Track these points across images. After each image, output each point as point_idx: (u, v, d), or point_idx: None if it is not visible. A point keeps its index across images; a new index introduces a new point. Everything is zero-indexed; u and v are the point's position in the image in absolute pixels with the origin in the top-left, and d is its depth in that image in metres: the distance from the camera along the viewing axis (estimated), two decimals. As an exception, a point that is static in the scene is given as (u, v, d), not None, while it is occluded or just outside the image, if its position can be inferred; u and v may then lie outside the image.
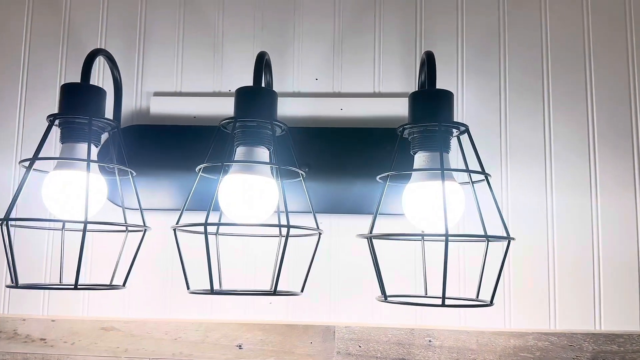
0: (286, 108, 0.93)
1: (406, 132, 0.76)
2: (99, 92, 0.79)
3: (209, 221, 0.67)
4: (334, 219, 0.91)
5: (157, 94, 0.96)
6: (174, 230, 0.74)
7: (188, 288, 0.73)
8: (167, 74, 0.97)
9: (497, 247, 0.82)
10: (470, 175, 0.76)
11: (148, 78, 0.97)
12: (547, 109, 0.92)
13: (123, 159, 0.81)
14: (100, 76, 0.97)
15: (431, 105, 0.74)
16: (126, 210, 0.85)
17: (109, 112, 0.95)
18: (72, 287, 0.69)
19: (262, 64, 0.78)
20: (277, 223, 0.78)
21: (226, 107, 0.93)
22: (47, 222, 0.89)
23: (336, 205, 0.90)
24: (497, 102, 0.93)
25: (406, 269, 0.90)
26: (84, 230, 0.69)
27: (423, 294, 0.82)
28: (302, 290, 0.76)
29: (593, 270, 0.88)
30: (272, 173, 0.77)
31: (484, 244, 0.77)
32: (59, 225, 0.86)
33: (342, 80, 0.95)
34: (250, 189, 0.73)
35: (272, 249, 0.83)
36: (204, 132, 0.92)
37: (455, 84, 0.93)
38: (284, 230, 0.73)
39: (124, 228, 0.84)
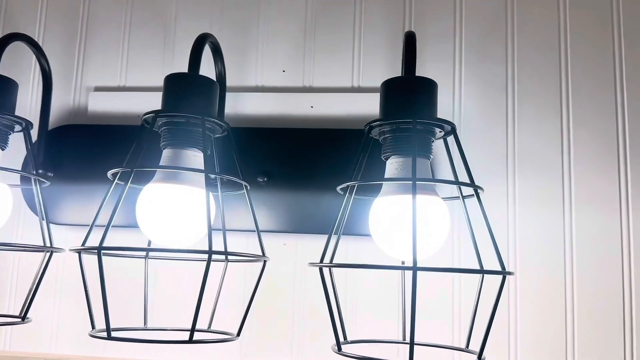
0: (247, 105, 0.77)
1: (376, 131, 0.59)
2: (5, 83, 0.65)
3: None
4: (302, 239, 0.75)
5: (98, 88, 0.82)
6: (78, 253, 0.58)
7: (93, 327, 0.58)
8: (110, 66, 0.82)
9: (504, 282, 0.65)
10: (460, 188, 0.59)
11: (89, 71, 0.83)
12: (565, 106, 0.74)
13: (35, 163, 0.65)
14: (29, 67, 0.83)
15: (406, 97, 0.57)
16: (51, 226, 0.71)
17: (28, 109, 0.82)
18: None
19: (201, 48, 0.63)
20: (206, 248, 0.61)
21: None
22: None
23: (304, 223, 0.74)
24: (504, 97, 0.75)
25: (389, 306, 0.72)
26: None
27: (401, 338, 0.64)
28: (238, 334, 0.59)
29: (624, 312, 0.69)
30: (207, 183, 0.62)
31: (479, 277, 0.59)
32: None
33: (314, 73, 0.79)
34: (172, 203, 0.58)
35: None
36: (152, 132, 0.77)
37: (451, 74, 0.76)
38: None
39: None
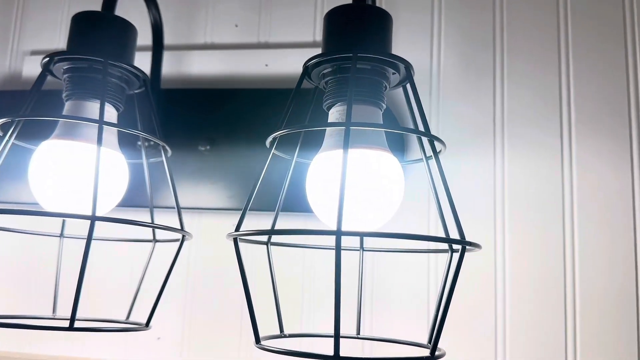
0: (194, 65, 0.67)
1: (316, 75, 0.48)
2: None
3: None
4: (254, 218, 0.64)
5: (34, 52, 0.73)
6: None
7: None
8: (49, 28, 0.73)
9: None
10: (421, 144, 0.48)
11: (26, 33, 0.74)
12: (564, 56, 0.62)
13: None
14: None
15: (349, 29, 0.46)
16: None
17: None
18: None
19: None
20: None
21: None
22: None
23: (255, 198, 0.63)
24: (491, 48, 0.63)
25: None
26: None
27: (354, 333, 0.53)
28: (147, 324, 0.48)
29: (638, 295, 0.56)
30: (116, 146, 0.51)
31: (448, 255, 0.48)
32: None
33: (271, 27, 0.68)
34: (72, 163, 0.48)
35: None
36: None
37: (429, 22, 0.65)
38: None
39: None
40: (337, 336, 0.37)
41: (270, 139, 0.45)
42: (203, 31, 0.69)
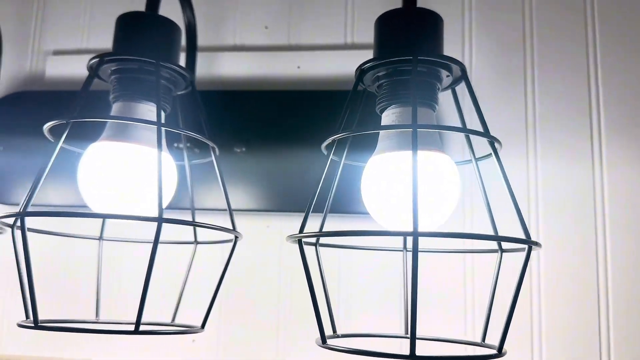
0: (224, 66, 0.67)
1: (369, 79, 0.49)
2: None
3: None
4: (287, 220, 0.64)
5: (57, 52, 0.72)
6: (10, 226, 0.48)
7: (27, 317, 0.47)
8: (72, 27, 0.72)
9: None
10: (470, 143, 0.49)
11: (47, 33, 0.73)
12: (592, 60, 0.63)
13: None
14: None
15: (406, 32, 0.46)
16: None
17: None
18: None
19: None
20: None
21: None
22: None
23: (289, 201, 0.63)
24: (521, 44, 0.64)
25: (391, 294, 0.62)
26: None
27: (402, 332, 0.54)
28: (202, 326, 0.48)
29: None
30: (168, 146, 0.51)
31: (497, 256, 0.49)
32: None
33: (301, 29, 0.68)
34: (125, 165, 0.47)
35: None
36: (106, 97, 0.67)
37: (460, 26, 0.66)
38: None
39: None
40: (413, 336, 0.37)
41: (329, 140, 0.46)
42: (233, 33, 0.69)
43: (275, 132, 0.64)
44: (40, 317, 0.42)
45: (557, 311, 0.59)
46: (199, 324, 0.48)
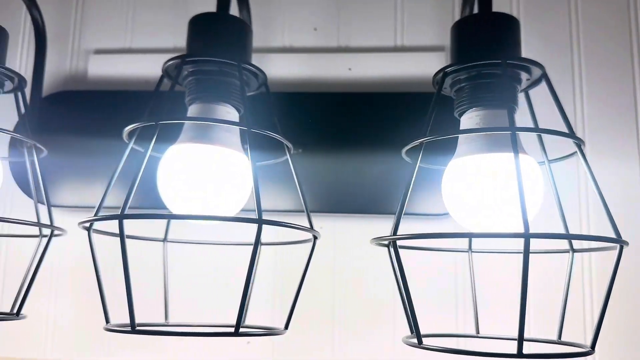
0: (273, 68, 0.67)
1: (447, 83, 0.50)
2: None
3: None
4: (340, 221, 0.65)
5: (98, 51, 0.70)
6: (87, 229, 0.47)
7: (107, 321, 0.46)
8: (113, 26, 0.71)
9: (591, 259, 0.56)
10: (543, 146, 0.50)
11: (88, 32, 0.71)
12: (637, 60, 0.65)
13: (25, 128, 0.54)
14: (18, 25, 0.72)
15: (490, 36, 0.47)
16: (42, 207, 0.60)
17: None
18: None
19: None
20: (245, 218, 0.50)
21: (192, 68, 0.68)
22: None
23: (343, 202, 0.64)
24: (568, 45, 0.66)
25: (443, 295, 0.63)
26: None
27: (473, 332, 0.54)
28: (286, 327, 0.48)
29: None
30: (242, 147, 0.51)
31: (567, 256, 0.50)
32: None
33: (351, 31, 0.69)
34: (209, 167, 0.47)
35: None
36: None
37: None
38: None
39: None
40: (521, 337, 0.38)
41: (416, 143, 0.46)
42: (281, 34, 0.69)
43: (331, 134, 0.64)
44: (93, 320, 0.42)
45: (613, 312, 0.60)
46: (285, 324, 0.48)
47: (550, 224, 0.50)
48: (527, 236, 0.38)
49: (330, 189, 0.64)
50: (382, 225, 0.63)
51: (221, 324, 0.56)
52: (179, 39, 0.70)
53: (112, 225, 0.43)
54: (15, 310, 0.51)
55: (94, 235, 0.46)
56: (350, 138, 0.64)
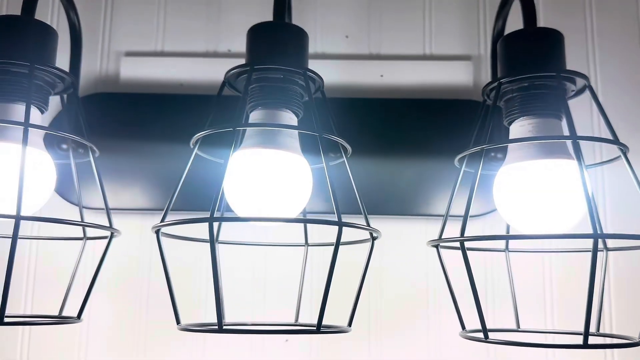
0: (307, 73, 0.69)
1: (492, 93, 0.53)
2: (47, 32, 0.54)
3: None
4: (376, 223, 0.67)
5: (129, 53, 0.71)
6: (157, 232, 0.48)
7: (178, 322, 0.48)
8: (144, 29, 0.72)
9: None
10: (579, 149, 0.53)
11: (117, 33, 0.72)
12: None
13: (81, 131, 0.55)
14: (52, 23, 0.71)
15: (541, 51, 0.50)
16: (85, 210, 0.60)
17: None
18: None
19: (286, -6, 0.54)
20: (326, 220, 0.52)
21: (224, 72, 0.68)
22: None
23: (378, 204, 0.66)
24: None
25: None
26: (15, 230, 0.43)
27: (514, 326, 0.58)
28: (349, 324, 0.50)
29: None
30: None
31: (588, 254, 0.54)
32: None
33: (381, 38, 0.71)
34: (279, 172, 0.49)
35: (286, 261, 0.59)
36: (195, 103, 0.67)
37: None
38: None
39: (80, 231, 0.58)
40: (587, 329, 0.41)
41: (477, 149, 0.49)
42: (314, 41, 0.71)
43: (365, 140, 0.66)
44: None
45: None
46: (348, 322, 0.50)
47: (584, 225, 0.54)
48: (596, 236, 0.41)
49: (365, 192, 0.66)
50: (416, 226, 0.66)
51: (272, 322, 0.58)
52: (211, 44, 0.71)
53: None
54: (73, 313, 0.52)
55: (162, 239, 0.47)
56: (385, 143, 0.66)
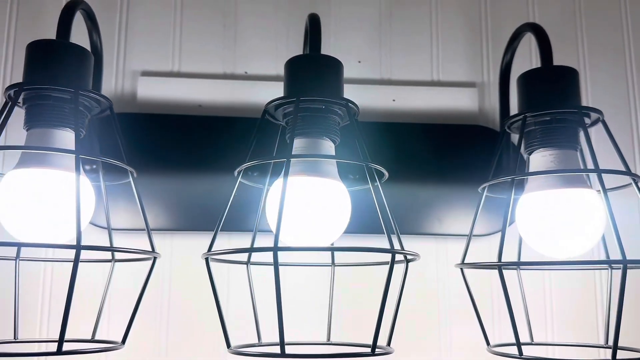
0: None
1: (514, 125, 0.57)
2: (86, 56, 0.54)
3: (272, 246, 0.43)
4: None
5: (145, 73, 0.71)
6: (207, 259, 0.49)
7: (229, 346, 0.49)
8: (160, 48, 0.72)
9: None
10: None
11: (133, 52, 0.72)
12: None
13: (120, 154, 0.55)
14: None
15: (560, 88, 0.55)
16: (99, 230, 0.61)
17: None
18: (55, 352, 0.43)
19: (318, 27, 0.56)
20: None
21: (241, 93, 0.71)
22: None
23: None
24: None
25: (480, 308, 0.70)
26: (76, 259, 0.43)
27: (527, 340, 0.62)
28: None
29: None
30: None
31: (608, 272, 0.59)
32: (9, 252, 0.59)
33: (392, 64, 0.74)
34: (324, 198, 0.51)
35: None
36: (213, 124, 0.69)
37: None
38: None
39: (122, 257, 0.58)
40: (615, 344, 0.46)
41: (507, 179, 0.52)
42: (328, 65, 0.73)
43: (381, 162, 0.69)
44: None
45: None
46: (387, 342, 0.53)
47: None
48: (625, 262, 0.45)
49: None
50: (422, 245, 0.69)
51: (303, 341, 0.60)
52: (228, 65, 0.72)
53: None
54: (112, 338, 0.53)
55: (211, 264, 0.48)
56: (397, 166, 0.69)
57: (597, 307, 0.70)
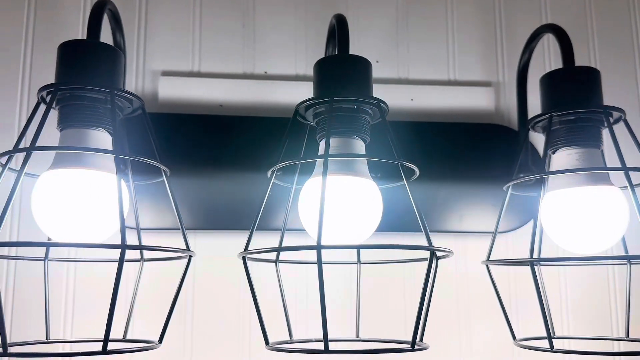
0: (341, 96, 0.72)
1: (539, 124, 0.58)
2: (118, 56, 0.54)
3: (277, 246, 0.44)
4: (407, 239, 0.71)
5: (166, 73, 0.71)
6: (244, 258, 0.50)
7: (267, 343, 0.50)
8: (179, 48, 0.72)
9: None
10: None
11: (153, 52, 0.72)
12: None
13: (153, 153, 0.55)
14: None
15: (584, 88, 0.56)
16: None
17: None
18: (100, 352, 0.44)
19: (346, 27, 0.57)
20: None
21: (261, 93, 0.71)
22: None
23: (409, 222, 0.70)
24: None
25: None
26: (121, 258, 0.44)
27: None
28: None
29: None
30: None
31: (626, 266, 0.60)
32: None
33: (409, 64, 0.75)
34: (359, 197, 0.52)
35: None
36: (234, 124, 0.69)
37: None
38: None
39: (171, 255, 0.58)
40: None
41: (536, 177, 0.54)
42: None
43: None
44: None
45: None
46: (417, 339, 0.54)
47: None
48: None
49: (398, 211, 0.70)
50: (441, 242, 0.69)
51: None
52: (248, 65, 0.73)
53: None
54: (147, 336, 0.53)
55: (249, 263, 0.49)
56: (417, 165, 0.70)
57: (610, 302, 0.72)
